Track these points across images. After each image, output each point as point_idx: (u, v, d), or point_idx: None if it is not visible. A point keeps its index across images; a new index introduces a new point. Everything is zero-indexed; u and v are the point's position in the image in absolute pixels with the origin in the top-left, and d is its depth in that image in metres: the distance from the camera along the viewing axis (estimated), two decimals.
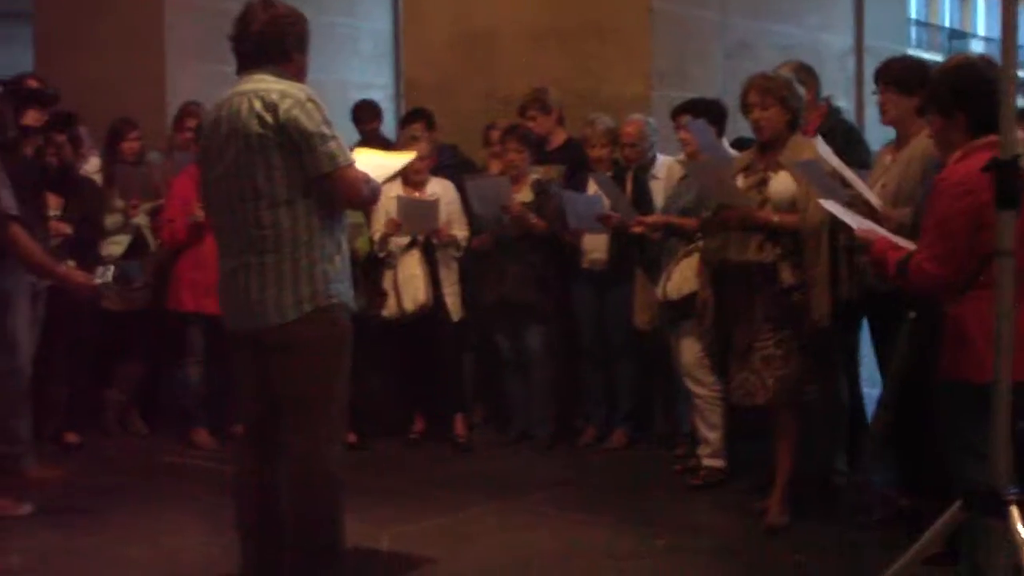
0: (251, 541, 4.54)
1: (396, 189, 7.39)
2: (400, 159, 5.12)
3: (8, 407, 6.07)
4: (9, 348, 6.05)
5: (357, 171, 4.34)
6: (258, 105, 4.23)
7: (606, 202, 6.99)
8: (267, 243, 4.26)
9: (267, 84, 4.30)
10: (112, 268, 6.23)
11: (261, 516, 4.49)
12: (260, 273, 4.29)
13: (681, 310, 6.31)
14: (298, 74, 4.44)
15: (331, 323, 4.35)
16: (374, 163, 4.67)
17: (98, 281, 6.11)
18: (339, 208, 4.42)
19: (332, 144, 4.24)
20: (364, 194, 4.43)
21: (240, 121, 4.26)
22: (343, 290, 4.40)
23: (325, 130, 4.23)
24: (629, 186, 7.15)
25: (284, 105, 4.21)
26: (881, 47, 9.07)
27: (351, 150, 4.52)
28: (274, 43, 4.38)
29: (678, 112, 6.94)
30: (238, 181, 4.29)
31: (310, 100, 4.25)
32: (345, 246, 4.49)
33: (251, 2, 4.44)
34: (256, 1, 4.43)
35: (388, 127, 9.68)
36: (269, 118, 4.21)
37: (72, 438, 7.65)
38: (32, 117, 6.47)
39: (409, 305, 7.45)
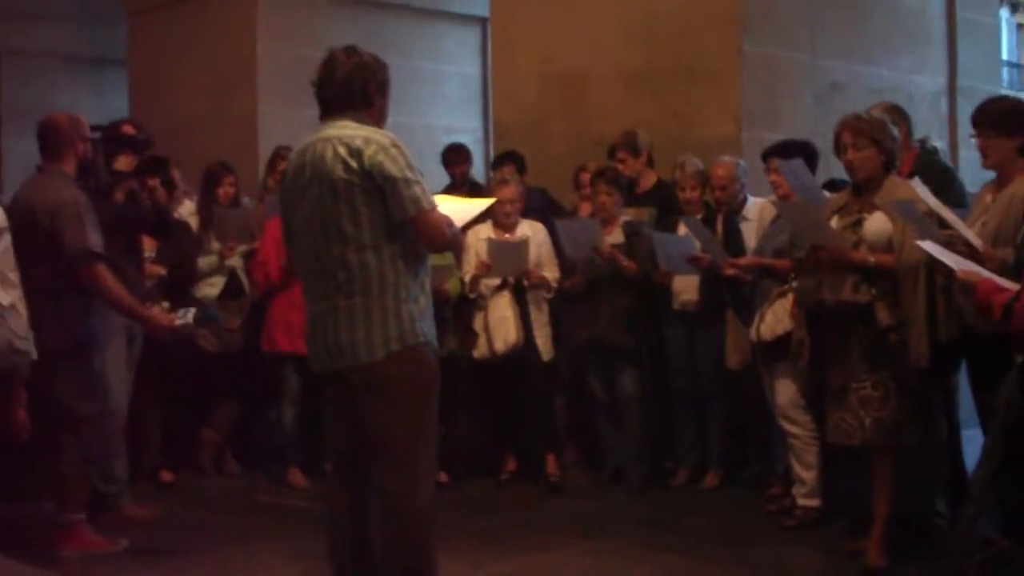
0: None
1: (486, 231, 7.45)
2: (480, 203, 5.10)
3: (105, 447, 6.15)
4: (102, 389, 6.13)
5: (440, 214, 4.38)
6: (343, 151, 4.29)
7: (697, 243, 6.99)
8: (355, 285, 4.31)
9: (351, 130, 4.36)
10: (193, 310, 6.32)
11: (353, 553, 4.52)
12: (349, 315, 4.33)
13: (775, 351, 6.28)
14: (379, 118, 4.52)
15: (418, 361, 4.39)
16: (455, 208, 4.70)
17: (179, 323, 6.19)
18: (423, 251, 4.46)
19: (416, 188, 4.28)
20: (447, 237, 4.45)
21: (325, 166, 4.32)
22: (428, 329, 4.44)
23: (409, 174, 4.28)
24: (720, 228, 7.14)
25: (369, 150, 4.27)
26: (974, 88, 9.01)
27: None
28: (358, 89, 4.46)
29: (769, 154, 6.93)
30: (324, 226, 4.34)
31: (394, 145, 4.31)
32: (428, 287, 4.54)
33: (334, 49, 4.53)
34: (339, 48, 4.53)
35: (477, 170, 9.74)
36: (354, 163, 4.27)
37: (167, 477, 7.75)
38: (123, 162, 6.58)
39: (500, 346, 7.49)
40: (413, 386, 4.38)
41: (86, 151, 6.20)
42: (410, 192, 4.26)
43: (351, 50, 4.52)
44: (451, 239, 4.51)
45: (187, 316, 6.20)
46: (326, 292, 4.38)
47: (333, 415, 4.64)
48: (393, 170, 4.25)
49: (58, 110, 6.75)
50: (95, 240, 5.92)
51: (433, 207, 4.34)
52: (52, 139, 6.19)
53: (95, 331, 6.12)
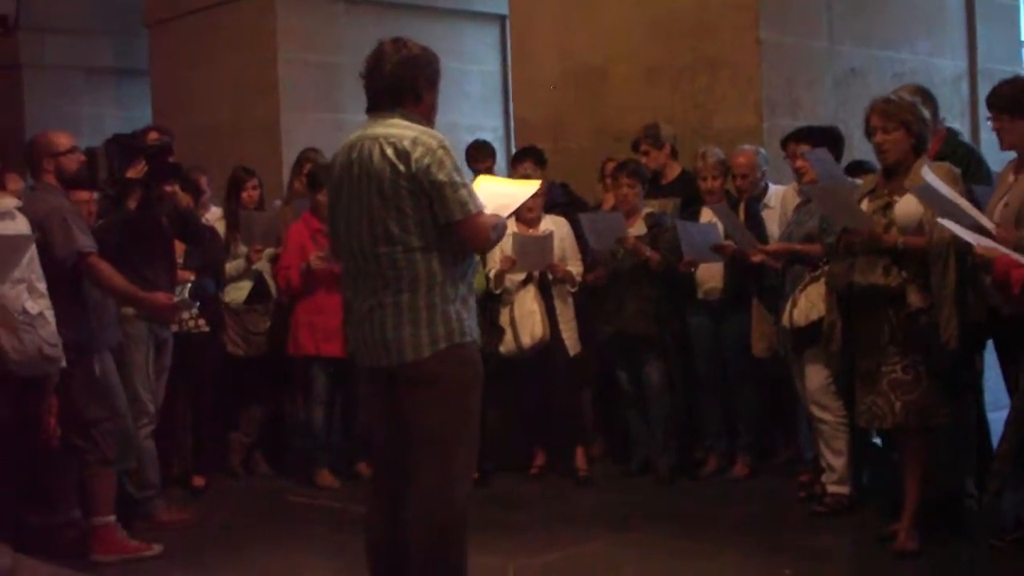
0: None
1: (510, 227, 7.45)
2: (525, 189, 5.08)
3: (120, 449, 6.20)
4: (106, 394, 6.18)
5: (486, 218, 4.34)
6: (390, 152, 4.25)
7: (720, 231, 6.99)
8: (403, 283, 4.29)
9: (399, 130, 4.31)
10: (189, 286, 6.41)
11: (391, 553, 4.49)
12: (396, 312, 4.31)
13: (808, 336, 6.26)
14: (428, 114, 4.46)
15: (464, 359, 4.37)
16: (498, 192, 4.69)
17: (176, 299, 6.32)
18: (468, 253, 4.44)
19: (463, 192, 4.25)
20: (491, 240, 4.45)
21: (372, 167, 4.29)
22: (474, 328, 4.43)
23: (456, 178, 4.24)
24: (742, 216, 7.14)
25: (416, 153, 4.22)
26: (995, 70, 8.97)
27: (474, 180, 4.54)
28: (406, 83, 4.40)
29: (790, 140, 6.92)
30: (371, 226, 4.31)
31: (441, 147, 4.26)
32: (474, 287, 4.53)
33: (383, 41, 4.46)
34: (388, 41, 4.46)
35: (499, 167, 9.76)
36: (401, 167, 4.23)
37: (199, 481, 7.78)
38: (134, 170, 6.63)
39: (526, 340, 7.49)
40: (457, 384, 4.36)
41: (62, 163, 6.30)
42: (457, 196, 4.23)
43: (400, 42, 4.45)
44: (495, 241, 4.52)
45: (183, 292, 6.35)
46: (373, 289, 4.35)
47: (376, 413, 4.61)
48: (440, 174, 4.21)
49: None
50: (83, 241, 6.01)
51: (480, 210, 4.31)
52: (30, 158, 6.41)
53: (94, 337, 6.19)
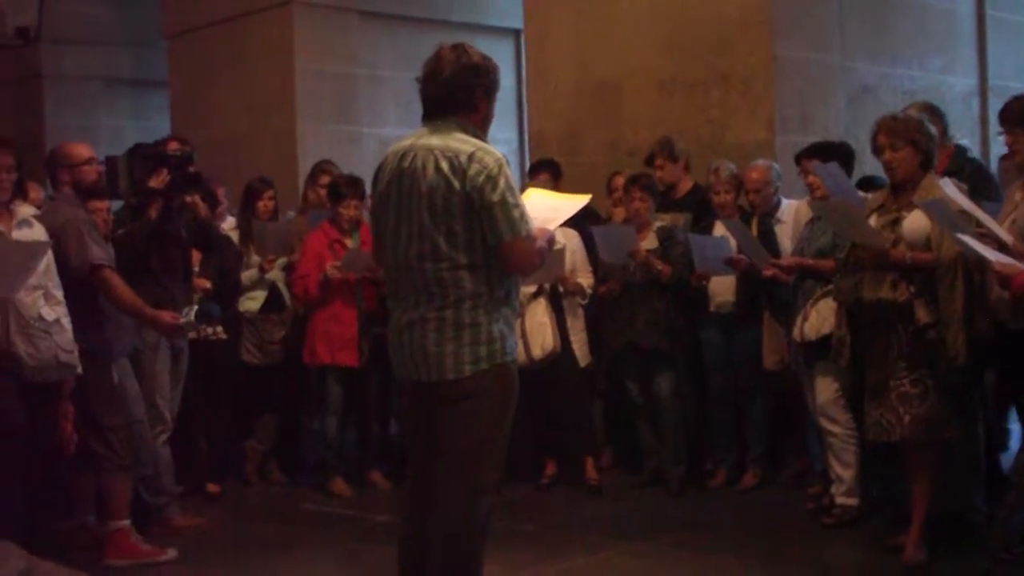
0: None
1: None
2: (573, 204, 4.88)
3: (137, 455, 6.27)
4: (122, 400, 6.25)
5: (534, 242, 4.27)
6: (445, 166, 4.18)
7: (733, 244, 7.04)
8: (447, 300, 4.23)
9: (457, 143, 4.24)
10: (195, 308, 6.45)
11: (423, 564, 4.44)
12: (438, 328, 4.25)
13: (818, 350, 6.30)
14: (483, 124, 4.39)
15: (502, 378, 4.30)
16: (545, 205, 4.63)
17: (182, 321, 6.35)
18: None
19: (515, 212, 4.17)
20: (535, 265, 4.36)
21: (425, 180, 4.22)
22: (514, 346, 4.37)
23: (508, 198, 4.16)
24: (755, 231, 7.17)
25: (472, 171, 4.15)
26: (1005, 87, 9.01)
27: (522, 192, 4.47)
28: (462, 91, 4.31)
29: (804, 156, 6.95)
30: (419, 241, 4.25)
31: (498, 165, 4.18)
32: (517, 304, 4.48)
33: (443, 46, 4.37)
34: (447, 46, 4.37)
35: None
36: (456, 183, 4.16)
37: (214, 488, 7.83)
38: (156, 180, 6.70)
39: (537, 352, 7.52)
40: (492, 403, 4.30)
41: (80, 174, 6.41)
42: (508, 217, 4.16)
43: (460, 48, 4.35)
44: (539, 267, 4.42)
45: (190, 314, 6.38)
46: (416, 302, 4.30)
47: (411, 427, 4.61)
48: (493, 194, 4.13)
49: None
50: (97, 253, 6.07)
51: (529, 233, 4.23)
52: (49, 168, 6.58)
53: (111, 344, 6.26)
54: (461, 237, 4.19)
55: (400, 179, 4.31)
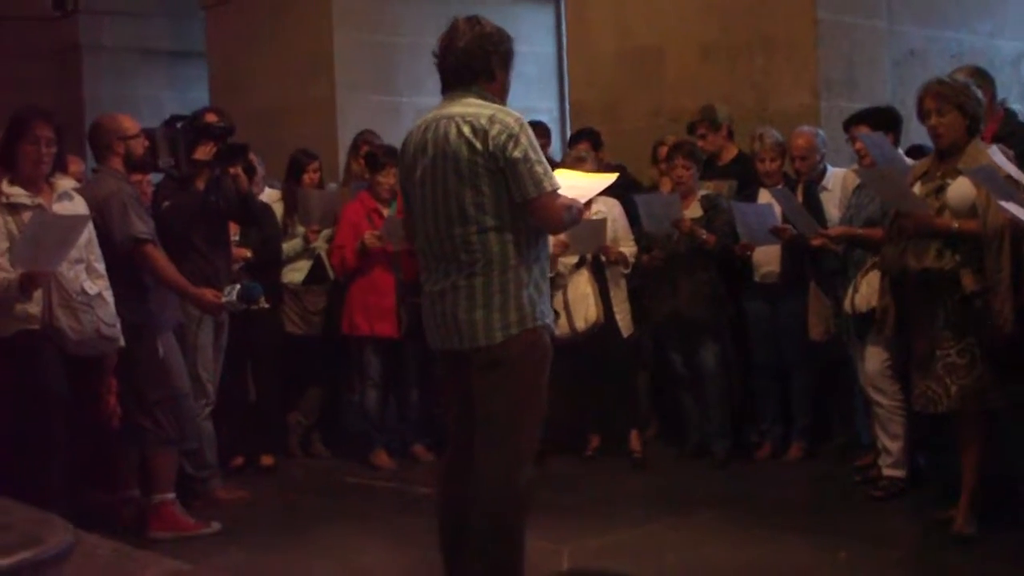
0: (454, 560, 4.53)
1: None
2: (602, 180, 4.99)
3: (182, 429, 6.26)
4: (167, 373, 6.23)
5: (561, 197, 4.30)
6: (467, 130, 4.23)
7: (778, 212, 6.95)
8: (476, 266, 4.27)
9: (475, 108, 4.29)
10: (238, 287, 6.43)
11: (463, 530, 4.44)
12: (469, 295, 4.29)
13: (869, 321, 6.21)
14: (501, 93, 4.44)
15: (535, 344, 4.33)
16: (573, 184, 4.63)
17: (224, 300, 6.34)
18: (542, 234, 4.42)
19: (538, 169, 4.21)
20: (564, 221, 4.39)
21: (449, 146, 4.27)
22: (547, 311, 4.39)
23: (532, 155, 4.20)
24: (800, 198, 7.08)
25: (493, 131, 4.20)
26: None
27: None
28: (479, 61, 4.37)
29: (852, 122, 6.84)
30: (446, 206, 4.30)
31: (519, 124, 4.24)
32: (547, 269, 4.50)
33: (457, 19, 4.43)
34: (462, 18, 4.42)
35: (553, 149, 9.74)
36: (479, 144, 4.21)
37: (268, 460, 7.83)
38: (203, 151, 6.68)
39: (580, 323, 7.47)
40: (526, 368, 4.32)
41: (131, 147, 6.32)
42: (532, 174, 4.20)
43: (474, 20, 4.41)
44: (569, 222, 4.44)
45: (232, 294, 6.36)
46: (446, 271, 4.34)
47: (451, 397, 4.62)
48: (516, 151, 4.18)
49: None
50: (140, 227, 6.06)
51: (555, 189, 4.27)
52: (95, 141, 6.41)
53: (154, 318, 6.25)
54: (488, 199, 4.24)
55: (424, 150, 4.37)
